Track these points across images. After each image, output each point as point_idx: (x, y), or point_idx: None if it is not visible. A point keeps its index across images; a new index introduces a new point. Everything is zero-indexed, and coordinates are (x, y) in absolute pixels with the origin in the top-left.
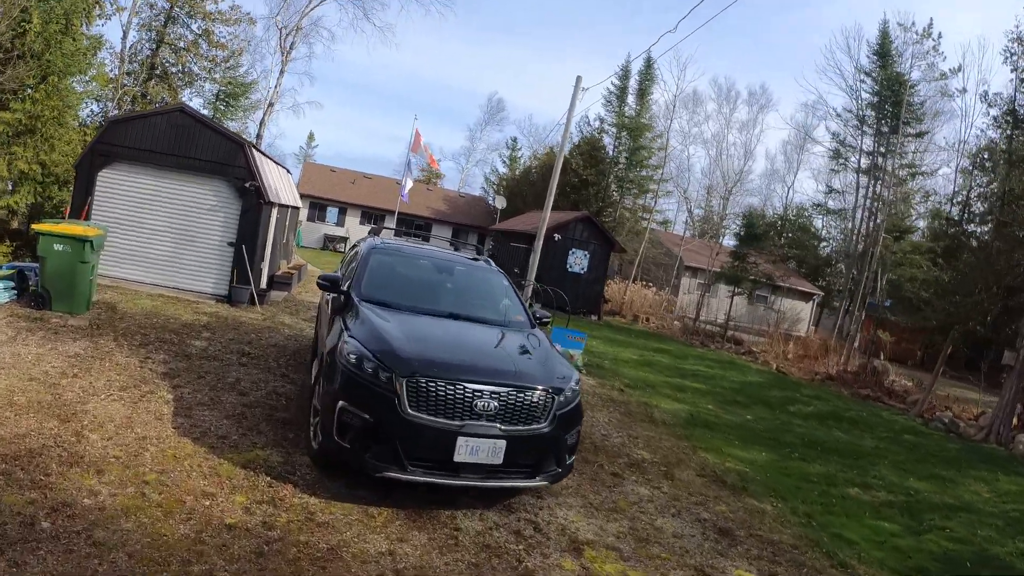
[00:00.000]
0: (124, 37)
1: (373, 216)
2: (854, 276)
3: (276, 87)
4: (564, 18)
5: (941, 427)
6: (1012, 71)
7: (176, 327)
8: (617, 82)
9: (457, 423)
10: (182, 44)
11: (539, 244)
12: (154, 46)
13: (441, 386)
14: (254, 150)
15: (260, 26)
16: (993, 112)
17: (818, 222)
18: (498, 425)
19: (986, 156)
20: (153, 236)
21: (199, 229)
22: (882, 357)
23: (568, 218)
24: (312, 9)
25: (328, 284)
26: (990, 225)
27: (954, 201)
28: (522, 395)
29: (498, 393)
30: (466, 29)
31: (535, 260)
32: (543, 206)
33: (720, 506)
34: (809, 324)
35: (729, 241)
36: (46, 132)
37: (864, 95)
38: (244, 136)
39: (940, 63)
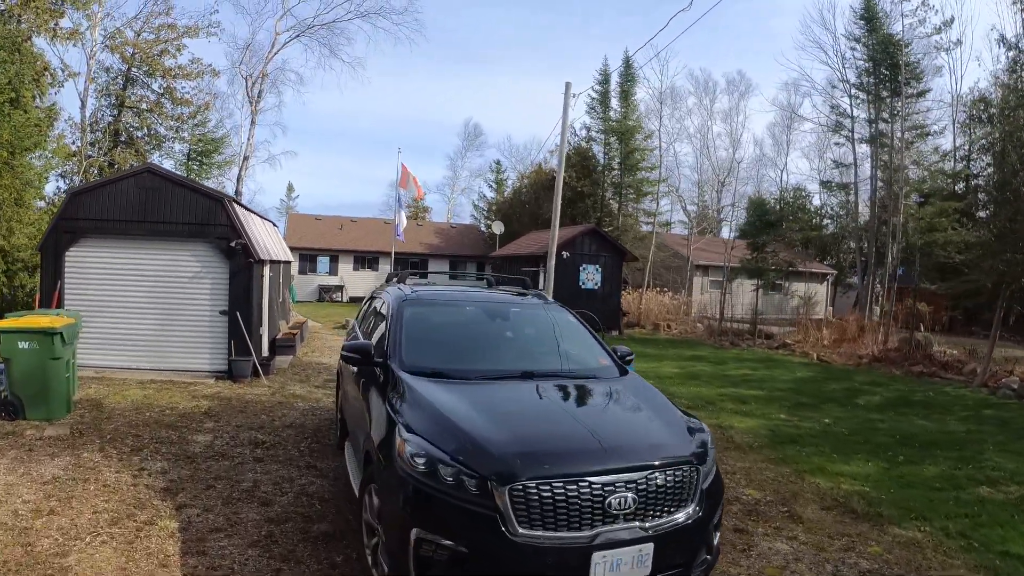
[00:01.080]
0: (83, 107)
1: (366, 260)
2: (877, 249)
3: (249, 139)
4: (528, 34)
5: (1011, 394)
6: (1020, 11)
7: (173, 420)
8: (598, 87)
9: (587, 534)
10: (145, 106)
11: (552, 264)
12: (116, 111)
13: (559, 488)
14: (235, 204)
15: (225, 79)
16: (1012, 54)
17: (816, 200)
18: (639, 524)
19: (982, 107)
20: (136, 315)
21: (185, 300)
22: (922, 328)
23: (574, 233)
24: (275, 53)
25: (358, 356)
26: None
27: (957, 157)
28: (663, 475)
29: (634, 481)
30: (432, 61)
31: (550, 282)
32: (540, 226)
33: (871, 546)
34: (826, 304)
35: (729, 233)
36: (4, 214)
37: (858, 63)
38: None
39: (932, 17)
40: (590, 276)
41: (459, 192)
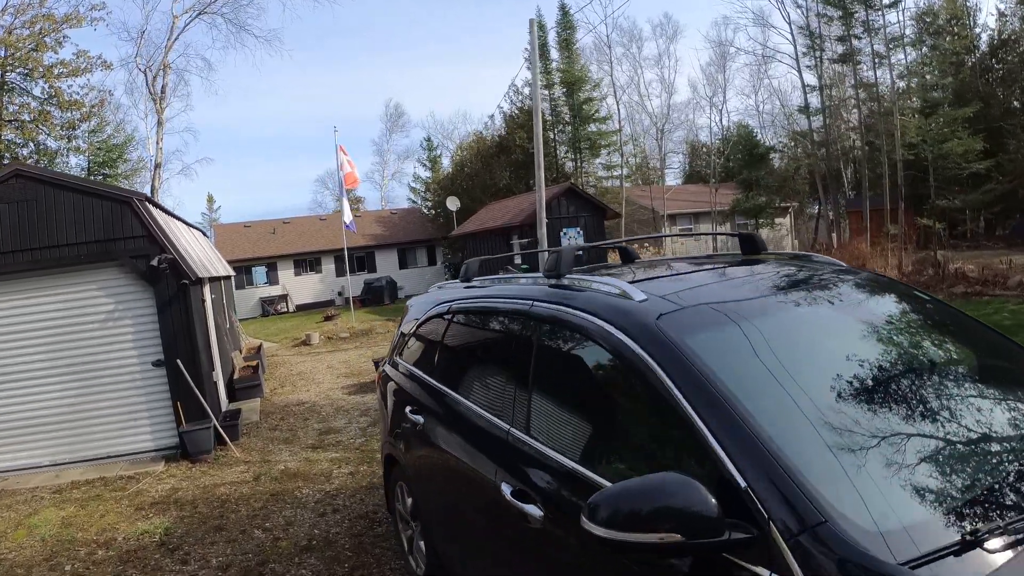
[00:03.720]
0: None
1: (307, 262)
2: (869, 171)
3: (158, 143)
4: (432, 10)
5: None
6: None
7: (115, 570)
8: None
9: None
10: (27, 116)
11: (543, 232)
12: None
13: None
14: (150, 206)
15: (122, 88)
16: None
17: (758, 135)
18: None
19: (927, 20)
20: (36, 388)
21: (102, 354)
22: (936, 246)
23: (548, 196)
24: (175, 40)
25: (677, 537)
26: None
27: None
28: None
29: None
30: (344, 52)
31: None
32: (494, 196)
33: None
34: (792, 236)
35: (673, 180)
36: None
37: None
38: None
39: None
40: (573, 241)
41: (390, 177)
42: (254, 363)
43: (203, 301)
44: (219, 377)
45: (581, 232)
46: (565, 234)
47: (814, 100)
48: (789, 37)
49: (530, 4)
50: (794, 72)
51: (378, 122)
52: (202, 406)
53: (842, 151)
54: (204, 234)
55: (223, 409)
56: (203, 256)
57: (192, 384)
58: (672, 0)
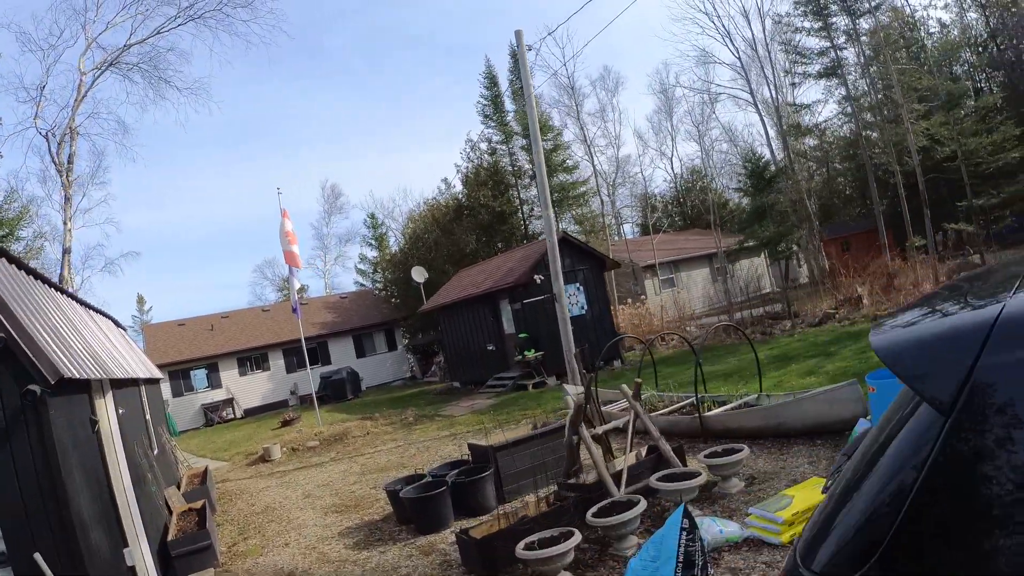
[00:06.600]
0: None
1: (253, 359)
2: (875, 186)
3: (67, 225)
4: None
5: None
6: None
7: None
8: (486, 91)
9: None
10: None
11: (560, 285)
12: None
13: None
14: None
15: (34, 177)
16: None
17: (718, 182)
18: None
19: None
20: None
21: None
22: (970, 252)
23: (541, 251)
24: (82, 99)
25: None
26: None
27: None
28: None
29: None
30: (273, 141)
31: (564, 312)
32: (457, 262)
33: None
34: (769, 275)
35: (630, 233)
36: None
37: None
38: None
39: None
40: (573, 299)
41: (333, 262)
42: (199, 504)
43: (92, 422)
44: (140, 551)
45: (581, 287)
46: (565, 291)
47: (772, 130)
48: (740, 72)
49: (458, 72)
50: (749, 108)
51: (315, 205)
52: None
53: (807, 178)
54: (118, 325)
55: None
56: (100, 345)
57: None
58: (611, 52)
